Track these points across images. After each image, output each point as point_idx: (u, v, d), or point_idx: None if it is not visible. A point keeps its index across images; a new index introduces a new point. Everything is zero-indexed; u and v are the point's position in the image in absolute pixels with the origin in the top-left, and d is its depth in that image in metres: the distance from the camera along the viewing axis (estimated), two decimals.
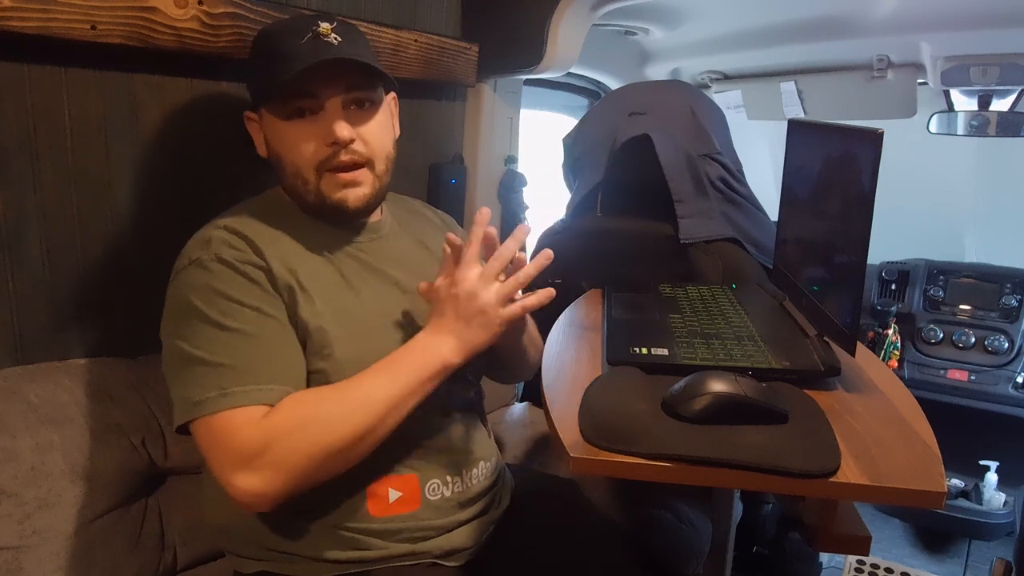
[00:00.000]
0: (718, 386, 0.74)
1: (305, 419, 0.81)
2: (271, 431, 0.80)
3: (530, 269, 0.90)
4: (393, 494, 0.92)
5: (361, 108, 0.94)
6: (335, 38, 0.90)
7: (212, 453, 0.81)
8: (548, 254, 0.91)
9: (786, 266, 1.18)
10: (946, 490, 0.66)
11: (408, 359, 0.87)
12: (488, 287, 0.88)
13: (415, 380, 0.86)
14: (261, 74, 0.92)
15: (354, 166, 0.93)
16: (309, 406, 0.83)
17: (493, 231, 0.92)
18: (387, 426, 0.85)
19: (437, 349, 0.87)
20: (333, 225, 0.98)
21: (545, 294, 0.91)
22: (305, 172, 0.92)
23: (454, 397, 1.00)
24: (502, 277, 0.90)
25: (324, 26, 0.90)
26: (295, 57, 0.88)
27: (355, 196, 0.94)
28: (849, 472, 0.67)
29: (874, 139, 0.78)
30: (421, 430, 0.94)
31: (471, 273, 0.88)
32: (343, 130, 0.90)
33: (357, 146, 0.92)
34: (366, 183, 0.94)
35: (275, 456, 0.79)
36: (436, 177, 1.65)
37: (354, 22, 1.25)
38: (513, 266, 0.91)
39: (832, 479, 0.66)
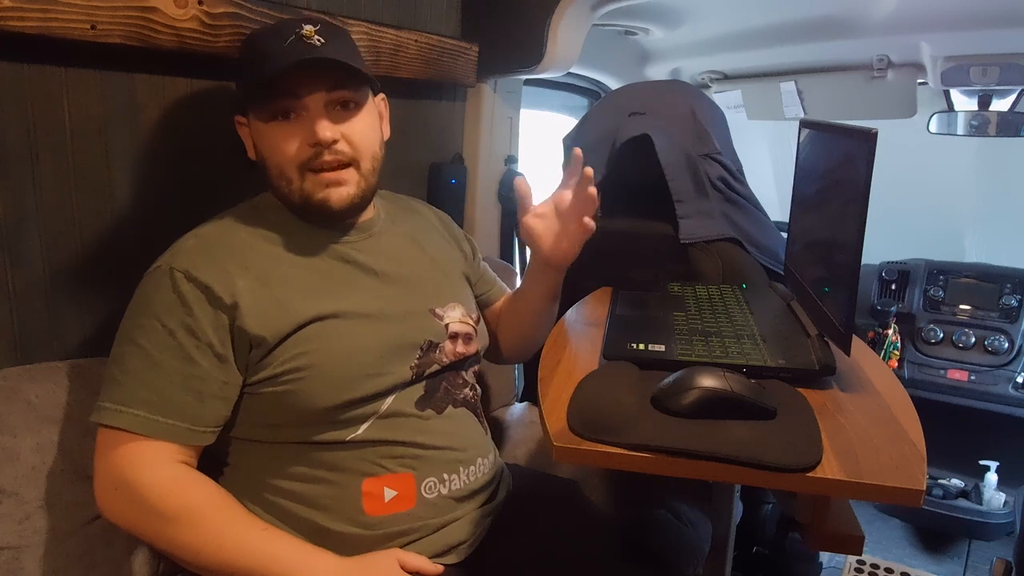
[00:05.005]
0: (706, 381, 0.75)
1: (182, 518, 0.82)
2: (150, 499, 0.82)
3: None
4: (389, 493, 0.92)
5: (346, 109, 0.94)
6: (318, 40, 0.90)
7: (99, 464, 0.86)
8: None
9: (795, 266, 1.18)
10: (925, 488, 0.66)
11: (289, 556, 0.84)
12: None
13: (274, 568, 0.83)
14: (245, 77, 0.94)
15: (338, 166, 0.92)
16: (196, 512, 0.83)
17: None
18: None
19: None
20: (322, 226, 0.98)
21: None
22: (289, 172, 0.92)
23: (451, 395, 1.00)
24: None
25: (308, 28, 0.90)
26: (276, 58, 0.88)
27: (338, 196, 0.93)
28: (828, 468, 0.68)
29: (867, 139, 0.78)
30: (418, 429, 0.94)
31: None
32: (325, 130, 0.89)
33: (341, 146, 0.92)
34: (351, 182, 0.94)
35: (135, 515, 0.84)
36: (436, 177, 1.65)
37: (354, 22, 1.27)
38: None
39: (809, 474, 0.67)
